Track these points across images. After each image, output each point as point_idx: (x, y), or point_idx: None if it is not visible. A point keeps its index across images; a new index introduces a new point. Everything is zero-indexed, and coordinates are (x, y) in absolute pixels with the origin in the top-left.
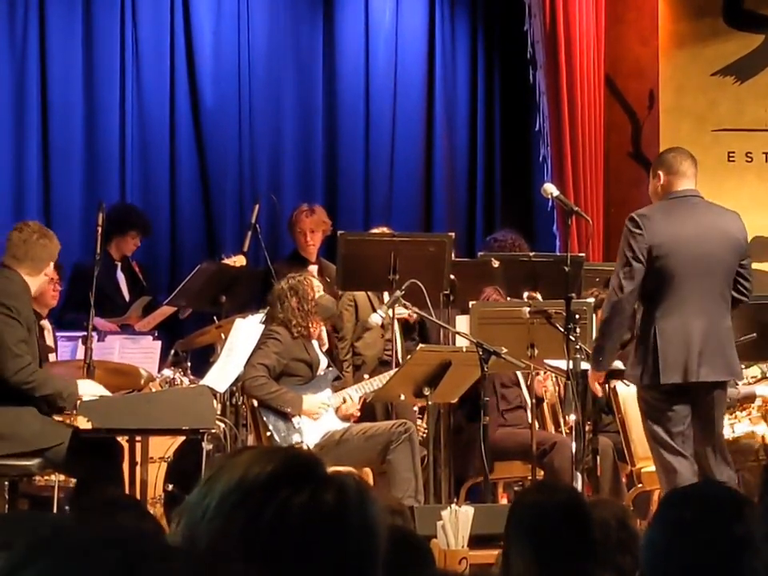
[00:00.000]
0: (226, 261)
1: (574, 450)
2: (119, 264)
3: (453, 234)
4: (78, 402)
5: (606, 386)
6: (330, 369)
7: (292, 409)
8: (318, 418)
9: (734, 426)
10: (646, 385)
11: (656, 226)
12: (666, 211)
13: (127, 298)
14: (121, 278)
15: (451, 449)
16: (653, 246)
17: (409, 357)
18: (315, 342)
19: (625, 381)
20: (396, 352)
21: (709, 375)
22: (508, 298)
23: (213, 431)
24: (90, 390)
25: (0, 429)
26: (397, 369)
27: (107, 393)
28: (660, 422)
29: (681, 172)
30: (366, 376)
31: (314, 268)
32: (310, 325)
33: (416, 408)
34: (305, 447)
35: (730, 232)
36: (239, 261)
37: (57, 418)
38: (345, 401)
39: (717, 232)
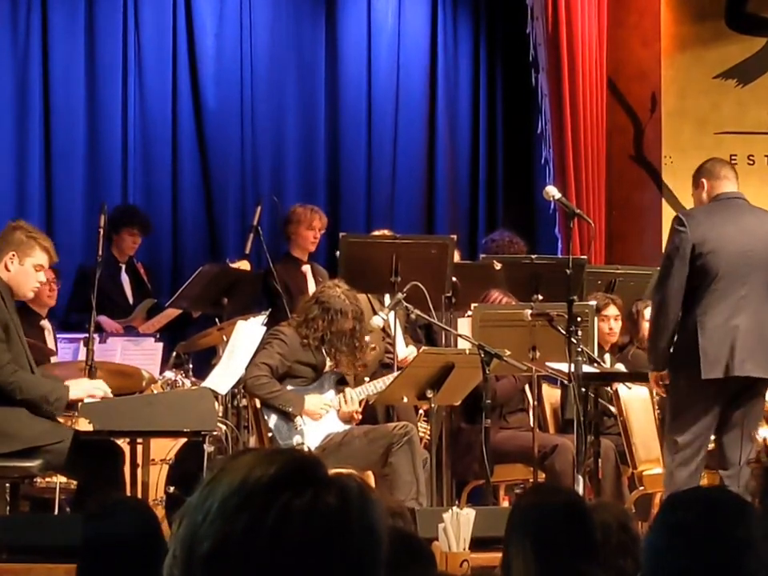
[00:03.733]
0: (230, 266)
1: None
2: (123, 266)
3: (455, 236)
4: (80, 404)
5: (608, 388)
6: (335, 370)
7: (293, 409)
8: (320, 419)
9: None
10: (684, 381)
11: (700, 224)
12: (710, 211)
13: (131, 300)
14: (125, 279)
15: (452, 451)
16: (696, 243)
17: (411, 359)
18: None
19: (627, 384)
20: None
21: (752, 370)
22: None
23: (214, 433)
24: (87, 388)
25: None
26: (399, 371)
27: (107, 389)
28: (683, 421)
29: (722, 176)
30: (367, 379)
31: (307, 268)
32: (331, 352)
33: (422, 411)
34: (306, 449)
35: None
36: (243, 266)
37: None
38: (345, 400)
39: (760, 232)
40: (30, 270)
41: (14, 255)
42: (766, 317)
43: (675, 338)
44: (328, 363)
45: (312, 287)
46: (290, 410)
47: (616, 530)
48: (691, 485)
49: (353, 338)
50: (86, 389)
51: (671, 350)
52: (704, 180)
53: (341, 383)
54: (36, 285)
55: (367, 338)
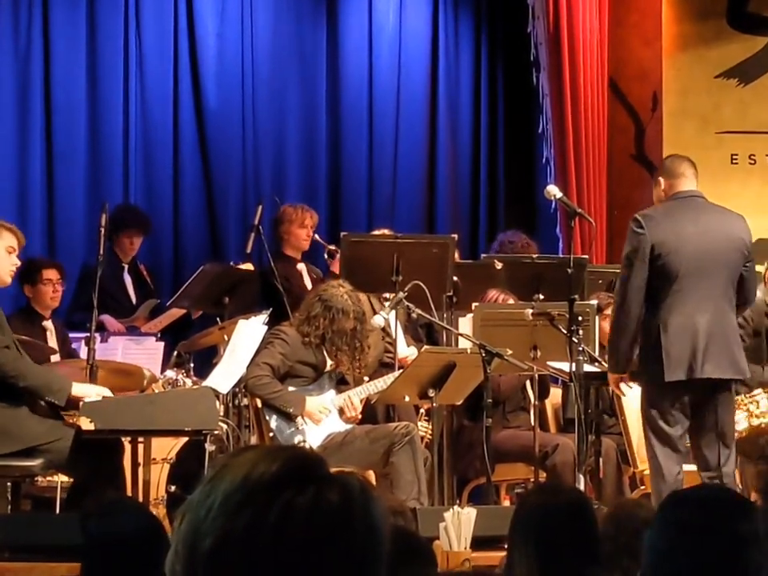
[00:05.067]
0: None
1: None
2: (126, 266)
3: (456, 235)
4: (81, 403)
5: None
6: (337, 370)
7: (294, 409)
8: (320, 422)
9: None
10: (649, 383)
11: (658, 224)
12: (669, 211)
13: (134, 300)
14: (127, 279)
15: (453, 449)
16: (655, 244)
17: (413, 358)
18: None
19: (629, 383)
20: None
21: (713, 372)
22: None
23: (215, 432)
24: (91, 390)
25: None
26: (401, 370)
27: (108, 393)
28: (659, 422)
29: (680, 173)
30: (366, 378)
31: (302, 266)
32: (331, 350)
33: (422, 410)
34: (308, 447)
35: (733, 232)
36: (247, 269)
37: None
38: (345, 406)
39: (720, 231)
40: (3, 254)
41: None
42: (725, 318)
43: (640, 340)
44: (329, 363)
45: (309, 286)
46: (291, 410)
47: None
48: (672, 478)
49: (354, 339)
50: (90, 390)
51: (638, 353)
52: (661, 178)
53: (341, 383)
54: (12, 268)
55: (369, 340)
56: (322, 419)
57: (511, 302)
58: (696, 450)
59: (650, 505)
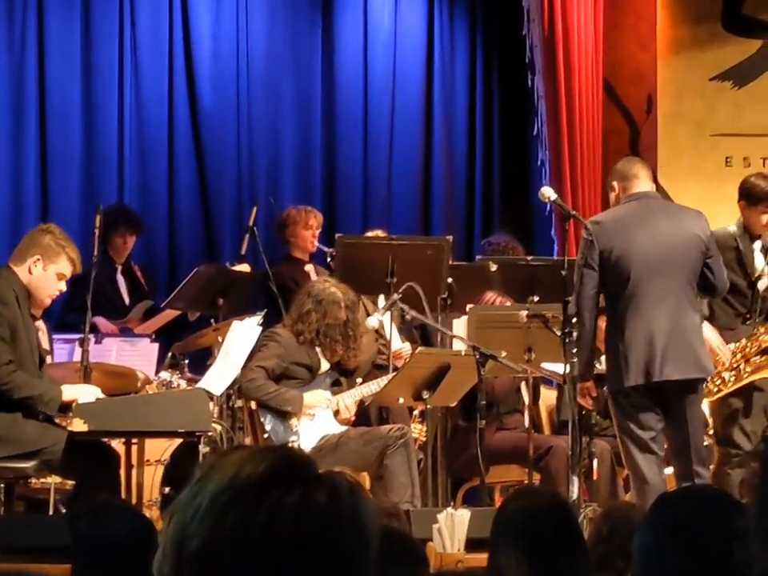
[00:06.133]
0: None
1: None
2: (119, 267)
3: (451, 237)
4: (74, 404)
5: (604, 390)
6: (330, 372)
7: (293, 407)
8: (314, 418)
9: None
10: (614, 389)
11: (606, 231)
12: (618, 215)
13: (127, 301)
14: (121, 281)
15: (448, 449)
16: (603, 250)
17: (407, 360)
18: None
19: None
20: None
21: (673, 374)
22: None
23: (209, 434)
24: (80, 393)
25: None
26: (395, 372)
27: (100, 394)
28: (631, 427)
29: (632, 175)
30: (359, 380)
31: (310, 267)
32: (324, 344)
33: (416, 412)
34: (297, 446)
35: (688, 230)
36: (243, 269)
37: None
38: (338, 410)
39: (672, 231)
40: (52, 277)
41: (38, 259)
42: (684, 318)
43: (604, 348)
44: (323, 365)
45: None
46: (290, 408)
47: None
48: (655, 482)
49: (347, 328)
50: (80, 392)
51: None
52: (615, 183)
53: (335, 385)
54: (55, 293)
55: (361, 329)
56: (323, 408)
57: (508, 304)
58: (669, 453)
59: (644, 507)
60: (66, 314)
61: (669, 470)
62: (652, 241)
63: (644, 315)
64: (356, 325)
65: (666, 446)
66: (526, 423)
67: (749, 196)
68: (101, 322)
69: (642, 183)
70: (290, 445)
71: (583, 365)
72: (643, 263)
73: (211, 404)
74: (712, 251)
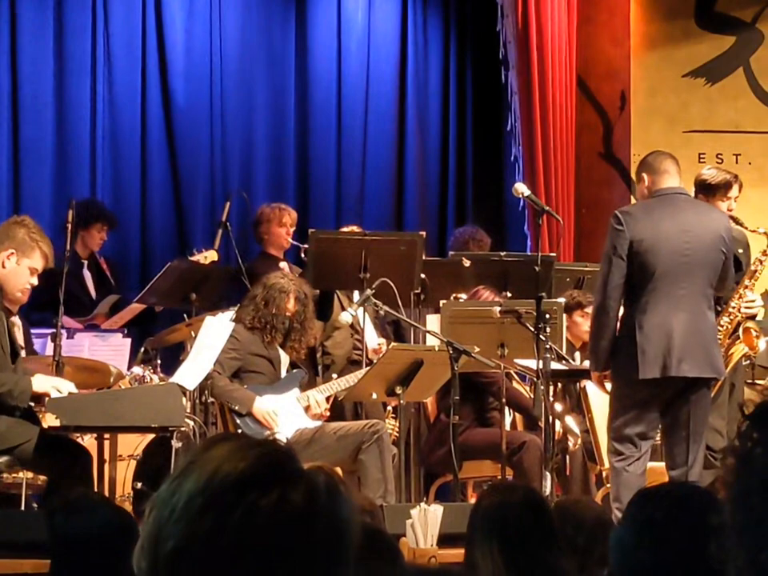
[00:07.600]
0: (197, 256)
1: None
2: (86, 262)
3: (424, 233)
4: (47, 399)
5: (577, 385)
6: (298, 369)
7: (240, 407)
8: (269, 425)
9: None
10: (621, 379)
11: (637, 222)
12: (649, 208)
13: (94, 296)
14: (87, 276)
15: (425, 442)
16: (633, 241)
17: (380, 355)
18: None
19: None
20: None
21: (690, 371)
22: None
23: (182, 429)
24: (52, 382)
25: None
26: (368, 367)
27: (73, 388)
28: (627, 419)
29: (663, 170)
30: (335, 376)
31: (284, 265)
32: (271, 333)
33: (390, 407)
34: (283, 439)
35: (715, 230)
36: (211, 256)
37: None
38: (309, 405)
39: (699, 230)
40: (24, 272)
41: (12, 253)
42: (704, 316)
43: (617, 337)
44: (282, 356)
45: None
46: (237, 407)
47: (591, 526)
48: (637, 481)
49: (293, 321)
50: (51, 383)
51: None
52: (645, 174)
53: (310, 381)
54: (26, 287)
55: (311, 323)
56: (269, 424)
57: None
58: (666, 447)
59: (592, 502)
60: (31, 312)
61: (655, 464)
62: (681, 237)
63: (664, 311)
64: (305, 319)
65: (661, 444)
66: (507, 419)
67: (706, 188)
68: (66, 321)
69: (672, 179)
70: (268, 438)
71: (603, 353)
72: (670, 258)
73: (184, 399)
74: (729, 252)
